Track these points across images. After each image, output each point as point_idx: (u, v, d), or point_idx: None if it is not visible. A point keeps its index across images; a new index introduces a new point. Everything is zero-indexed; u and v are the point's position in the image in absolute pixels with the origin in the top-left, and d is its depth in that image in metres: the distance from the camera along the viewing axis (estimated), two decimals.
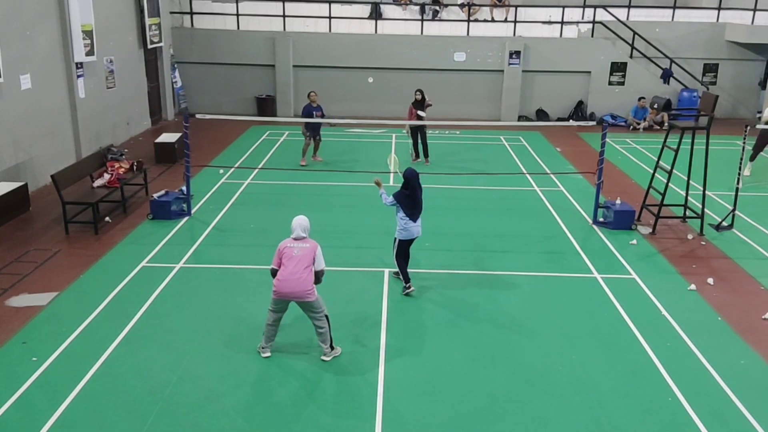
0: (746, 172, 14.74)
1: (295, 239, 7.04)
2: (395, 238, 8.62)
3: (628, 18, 21.64)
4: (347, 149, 16.55)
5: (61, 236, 10.56)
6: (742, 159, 11.24)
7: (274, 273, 7.00)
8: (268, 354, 7.16)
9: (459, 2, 21.81)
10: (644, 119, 20.69)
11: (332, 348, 7.15)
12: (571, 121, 21.20)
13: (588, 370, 7.04)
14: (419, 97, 15.29)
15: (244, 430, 6.00)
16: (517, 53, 20.98)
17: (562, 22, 21.46)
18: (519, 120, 21.34)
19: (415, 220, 8.48)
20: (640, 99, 20.79)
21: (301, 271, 6.81)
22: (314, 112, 14.94)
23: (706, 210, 11.36)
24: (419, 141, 15.56)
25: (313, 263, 6.96)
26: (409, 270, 8.83)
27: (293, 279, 6.78)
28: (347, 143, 17.21)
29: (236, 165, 14.83)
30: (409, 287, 8.65)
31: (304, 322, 7.96)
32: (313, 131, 15.09)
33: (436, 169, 14.88)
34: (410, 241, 8.63)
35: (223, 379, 6.73)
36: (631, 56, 21.59)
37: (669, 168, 11.07)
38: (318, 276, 7.04)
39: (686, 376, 6.95)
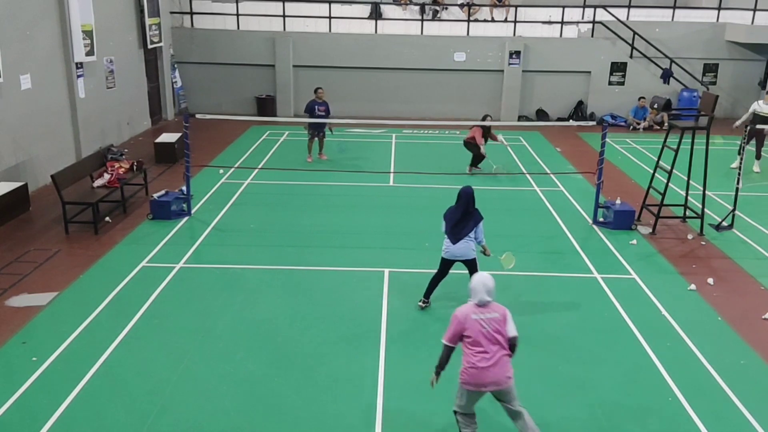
0: (756, 168, 15.32)
1: (479, 306, 5.50)
2: None
3: (628, 18, 21.62)
4: (347, 149, 16.54)
5: (61, 236, 10.56)
6: (742, 159, 11.22)
7: (449, 351, 5.57)
8: None
9: (459, 2, 21.81)
10: (644, 119, 20.69)
11: None
12: (571, 121, 21.19)
13: (588, 370, 7.04)
14: (488, 122, 14.52)
15: (243, 429, 5.99)
16: (517, 53, 20.98)
17: (562, 22, 21.46)
18: (519, 120, 21.34)
19: (454, 242, 7.93)
20: (640, 99, 20.80)
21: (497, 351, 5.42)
22: (317, 107, 15.06)
23: (706, 210, 11.36)
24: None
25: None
26: (409, 270, 8.84)
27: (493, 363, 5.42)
28: (347, 143, 17.19)
29: (236, 165, 14.84)
30: (423, 302, 8.31)
31: (303, 325, 7.97)
32: (315, 128, 15.16)
33: (436, 169, 14.87)
34: (451, 261, 8.11)
35: (223, 379, 6.73)
36: (631, 56, 21.58)
37: (669, 168, 11.07)
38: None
39: (686, 376, 6.95)
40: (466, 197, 8.00)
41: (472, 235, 7.98)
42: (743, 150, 11.22)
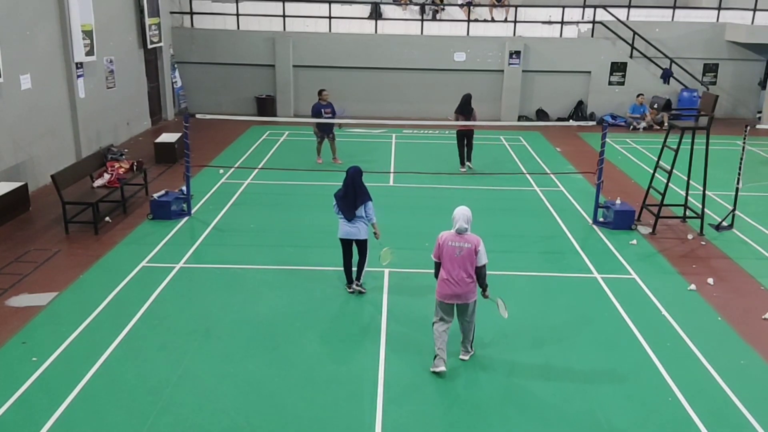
0: None
1: (458, 233, 6.63)
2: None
3: (628, 18, 21.64)
4: (347, 149, 16.52)
5: (61, 236, 10.56)
6: (742, 159, 11.22)
7: (438, 268, 6.81)
8: (443, 368, 6.78)
9: (459, 2, 21.81)
10: (642, 114, 20.69)
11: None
12: (571, 121, 21.20)
13: (588, 371, 7.04)
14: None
15: (244, 429, 5.99)
16: (517, 53, 20.98)
17: (562, 22, 21.46)
18: (519, 120, 21.35)
19: (349, 218, 8.34)
20: (638, 96, 20.81)
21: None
22: (323, 110, 14.95)
23: (706, 210, 11.36)
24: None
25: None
26: (408, 270, 8.83)
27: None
28: (347, 143, 17.18)
29: (236, 165, 14.83)
30: (348, 287, 8.71)
31: (303, 325, 7.97)
32: (323, 130, 15.07)
33: (436, 169, 14.87)
34: (347, 241, 8.50)
35: (223, 379, 6.73)
36: (631, 56, 21.59)
37: (669, 168, 11.07)
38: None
39: (686, 376, 6.95)
40: (350, 176, 8.42)
41: (362, 214, 8.40)
42: None
